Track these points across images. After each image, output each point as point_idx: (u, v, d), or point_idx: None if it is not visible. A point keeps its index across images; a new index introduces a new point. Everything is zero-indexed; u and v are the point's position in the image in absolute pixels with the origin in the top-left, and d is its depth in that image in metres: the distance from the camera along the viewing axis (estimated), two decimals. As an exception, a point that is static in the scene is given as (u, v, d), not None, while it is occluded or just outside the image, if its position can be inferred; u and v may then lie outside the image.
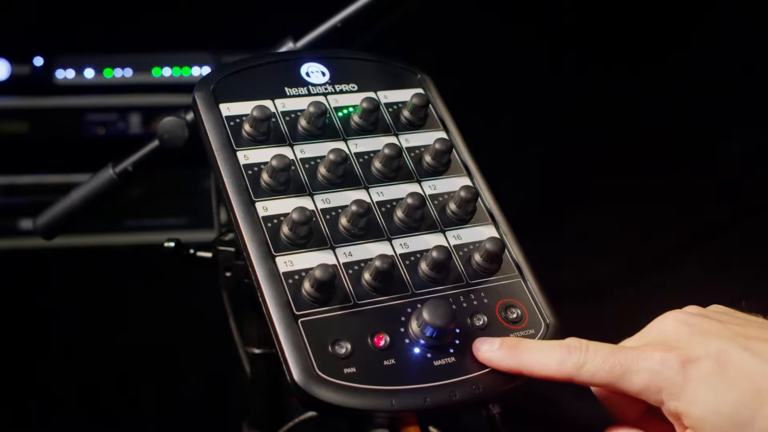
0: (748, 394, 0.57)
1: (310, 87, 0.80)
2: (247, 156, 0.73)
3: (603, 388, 0.64)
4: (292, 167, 0.73)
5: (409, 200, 0.72)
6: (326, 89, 0.80)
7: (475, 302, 0.70)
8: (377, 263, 0.67)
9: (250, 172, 0.72)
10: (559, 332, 0.70)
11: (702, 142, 1.77)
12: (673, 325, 0.63)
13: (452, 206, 0.75)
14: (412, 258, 0.71)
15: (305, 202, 0.72)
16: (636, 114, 1.80)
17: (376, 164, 0.76)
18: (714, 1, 1.74)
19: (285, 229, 0.69)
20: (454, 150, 0.79)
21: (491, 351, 0.66)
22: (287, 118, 0.77)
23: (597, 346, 0.62)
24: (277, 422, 0.96)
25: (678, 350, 0.60)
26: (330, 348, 0.64)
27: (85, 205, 1.01)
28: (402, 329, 0.66)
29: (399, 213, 0.73)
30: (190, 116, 0.94)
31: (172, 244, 0.90)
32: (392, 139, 0.79)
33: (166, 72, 1.76)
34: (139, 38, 1.75)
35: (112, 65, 1.74)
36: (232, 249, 0.86)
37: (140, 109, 1.76)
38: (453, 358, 0.66)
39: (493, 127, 1.64)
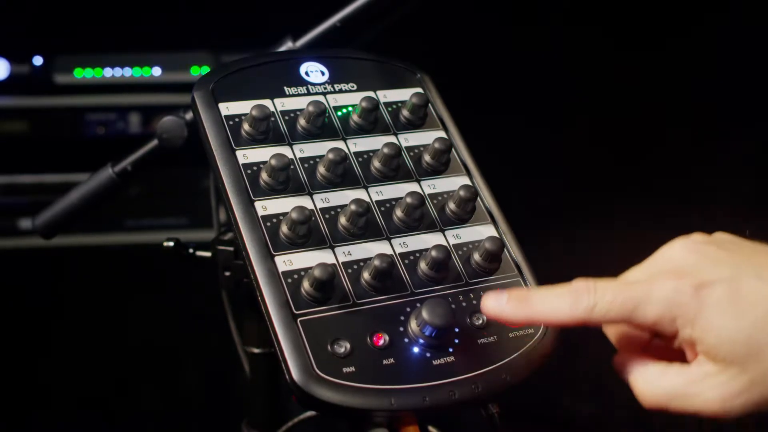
0: (762, 320, 0.56)
1: (310, 86, 0.80)
2: (246, 155, 0.73)
3: (616, 323, 0.62)
4: (291, 166, 0.73)
5: (409, 199, 0.72)
6: (325, 89, 0.80)
7: (474, 301, 0.70)
8: (376, 262, 0.67)
9: (249, 171, 0.72)
10: (557, 331, 0.70)
11: (702, 142, 1.77)
12: (681, 253, 0.61)
13: (451, 205, 0.75)
14: (412, 257, 0.71)
15: (304, 201, 0.72)
16: (636, 114, 1.80)
17: (376, 163, 0.76)
18: (715, 1, 1.75)
19: (284, 229, 0.69)
20: (453, 149, 0.79)
21: (500, 306, 0.64)
22: (286, 118, 0.77)
23: (605, 285, 0.61)
24: (277, 422, 0.96)
25: (690, 276, 0.58)
26: (329, 347, 0.64)
27: (84, 204, 1.01)
28: (401, 329, 0.66)
29: (398, 212, 0.73)
30: (189, 116, 0.94)
31: (171, 244, 0.90)
32: (391, 139, 0.78)
33: (166, 71, 1.76)
34: (139, 38, 1.75)
35: (111, 65, 1.74)
36: (232, 248, 0.86)
37: (139, 109, 1.76)
38: (452, 358, 0.66)
39: (492, 126, 1.63)
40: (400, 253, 0.71)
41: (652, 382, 0.61)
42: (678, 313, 0.58)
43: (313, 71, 0.81)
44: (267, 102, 0.77)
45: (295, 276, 0.67)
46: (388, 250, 0.71)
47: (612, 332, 0.66)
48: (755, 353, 0.56)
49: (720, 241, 0.63)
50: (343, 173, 0.74)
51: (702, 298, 0.57)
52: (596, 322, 0.60)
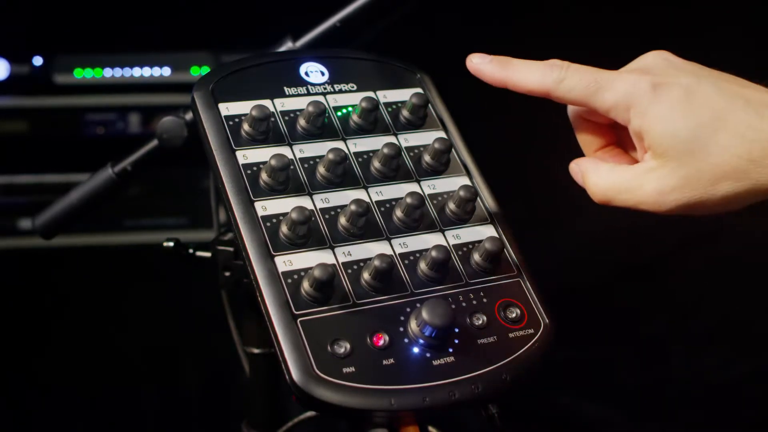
0: (707, 122, 0.60)
1: (309, 86, 0.80)
2: (246, 155, 0.73)
3: (577, 104, 0.68)
4: (291, 167, 0.73)
5: (409, 200, 0.72)
6: (325, 89, 0.80)
7: (474, 302, 0.70)
8: (376, 263, 0.67)
9: (249, 171, 0.72)
10: (558, 333, 0.70)
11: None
12: (653, 59, 0.67)
13: (451, 206, 0.75)
14: (411, 257, 0.71)
15: (304, 201, 0.72)
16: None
17: (375, 164, 0.76)
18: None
19: (284, 229, 0.69)
20: (453, 149, 0.79)
21: (483, 63, 0.70)
22: (286, 118, 0.77)
23: (577, 66, 0.67)
24: (277, 422, 0.96)
25: (652, 75, 0.64)
26: (329, 347, 0.64)
27: (84, 204, 1.01)
28: (401, 329, 0.66)
29: (398, 212, 0.73)
30: (189, 116, 0.94)
31: (171, 244, 0.90)
32: (391, 139, 0.78)
33: (166, 72, 1.76)
34: (139, 38, 1.75)
35: (111, 65, 1.74)
36: (231, 249, 0.86)
37: (139, 109, 1.76)
38: (452, 358, 0.66)
39: (492, 126, 1.63)
40: (400, 254, 0.71)
41: (602, 176, 0.67)
42: (632, 104, 0.63)
43: (313, 71, 0.81)
44: (267, 102, 0.77)
45: (295, 276, 0.67)
46: (388, 250, 0.71)
47: (575, 118, 0.72)
48: (694, 151, 0.61)
49: (693, 63, 0.67)
50: (343, 173, 0.74)
51: (658, 93, 0.62)
52: (560, 96, 0.67)
